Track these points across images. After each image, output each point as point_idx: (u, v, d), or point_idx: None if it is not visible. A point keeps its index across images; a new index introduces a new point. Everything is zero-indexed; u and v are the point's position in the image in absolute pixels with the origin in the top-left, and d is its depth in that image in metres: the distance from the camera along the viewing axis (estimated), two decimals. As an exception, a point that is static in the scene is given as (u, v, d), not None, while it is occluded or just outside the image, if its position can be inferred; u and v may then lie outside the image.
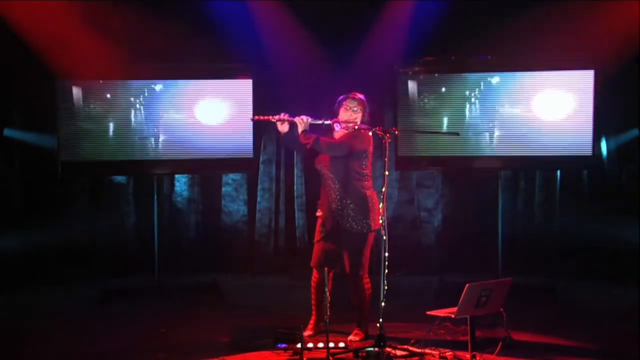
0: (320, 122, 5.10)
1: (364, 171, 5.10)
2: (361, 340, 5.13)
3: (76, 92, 6.71)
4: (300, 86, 6.94)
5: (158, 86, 6.86)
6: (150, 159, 6.86)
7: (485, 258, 7.15)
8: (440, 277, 7.23)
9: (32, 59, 6.76)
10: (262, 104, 7.08)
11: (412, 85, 6.87)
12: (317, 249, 5.20)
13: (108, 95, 6.78)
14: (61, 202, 7.62)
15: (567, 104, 6.69)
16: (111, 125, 6.78)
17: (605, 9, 6.73)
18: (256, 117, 5.25)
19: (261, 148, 7.76)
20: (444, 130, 6.81)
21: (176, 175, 7.81)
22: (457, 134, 6.37)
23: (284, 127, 5.07)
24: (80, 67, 6.68)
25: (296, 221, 7.86)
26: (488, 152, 6.80)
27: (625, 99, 7.25)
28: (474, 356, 4.59)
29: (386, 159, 4.73)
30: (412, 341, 4.93)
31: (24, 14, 6.62)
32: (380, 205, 4.68)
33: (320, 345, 4.87)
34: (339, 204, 5.07)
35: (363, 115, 5.14)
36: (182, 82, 6.88)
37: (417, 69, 6.92)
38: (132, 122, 6.79)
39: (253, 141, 6.96)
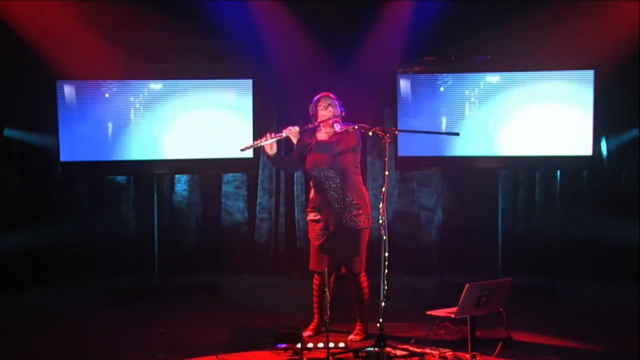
0: (308, 126, 5.13)
1: (358, 165, 5.20)
2: (361, 340, 5.13)
3: (76, 92, 6.70)
4: (300, 86, 6.94)
5: (158, 86, 6.86)
6: (150, 159, 6.86)
7: (485, 258, 7.15)
8: (440, 277, 7.23)
9: (32, 59, 6.77)
10: (262, 104, 7.09)
11: (411, 85, 6.87)
12: (316, 252, 5.20)
13: (108, 95, 6.78)
14: (61, 202, 7.62)
15: (567, 104, 6.69)
16: (111, 125, 6.77)
17: (605, 9, 6.73)
18: (246, 147, 5.25)
19: (261, 148, 7.74)
20: (443, 130, 6.81)
21: (176, 175, 7.81)
22: (457, 134, 6.37)
23: (273, 148, 5.09)
24: (80, 67, 6.69)
25: (296, 221, 7.86)
26: (488, 152, 6.79)
27: (625, 99, 7.25)
28: (474, 356, 4.59)
29: (386, 159, 4.73)
30: (412, 341, 4.94)
31: (24, 14, 6.62)
32: (380, 205, 4.68)
33: (320, 345, 4.87)
34: (342, 202, 5.08)
35: (341, 110, 5.18)
36: (182, 82, 6.87)
37: (417, 69, 6.92)
38: (132, 122, 6.79)
39: (253, 141, 6.94)
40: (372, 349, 4.65)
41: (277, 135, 5.07)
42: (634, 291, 6.55)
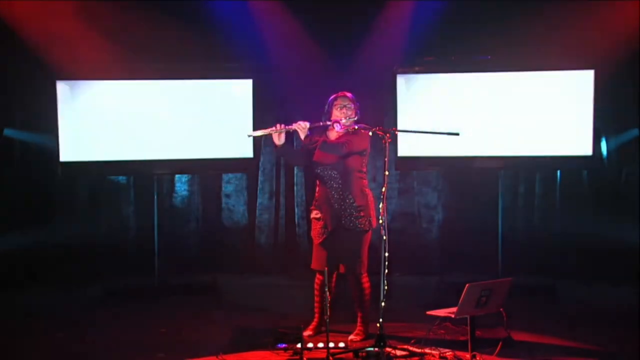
0: (319, 123, 5.11)
1: (363, 169, 5.18)
2: (361, 340, 5.13)
3: (76, 92, 6.71)
4: (300, 86, 6.95)
5: (158, 86, 6.85)
6: (150, 159, 6.86)
7: (485, 258, 7.15)
8: (440, 277, 7.23)
9: (32, 59, 6.76)
10: (262, 104, 7.08)
11: (412, 86, 6.87)
12: (317, 251, 5.21)
13: (108, 95, 6.78)
14: (61, 202, 7.62)
15: (567, 103, 6.69)
16: (111, 125, 6.78)
17: (605, 9, 6.73)
18: (254, 133, 5.22)
19: (261, 148, 7.77)
20: (443, 130, 6.79)
21: (176, 175, 7.81)
22: (457, 134, 6.35)
23: (281, 139, 5.06)
24: (80, 67, 6.69)
25: (296, 221, 7.86)
26: (488, 152, 6.79)
27: (625, 99, 7.25)
28: (474, 356, 4.59)
29: (386, 159, 4.73)
30: (412, 341, 4.94)
31: (23, 13, 6.62)
32: (380, 205, 4.68)
33: (320, 345, 4.87)
34: (342, 202, 5.08)
35: (356, 111, 5.15)
36: (182, 82, 6.87)
37: (417, 69, 6.92)
38: (132, 122, 6.79)
39: (253, 141, 6.95)
40: (372, 349, 4.65)
41: (286, 127, 5.04)
42: (634, 291, 6.55)
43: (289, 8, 7.24)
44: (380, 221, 4.66)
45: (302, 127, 5.01)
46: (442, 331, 5.16)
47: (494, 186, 7.00)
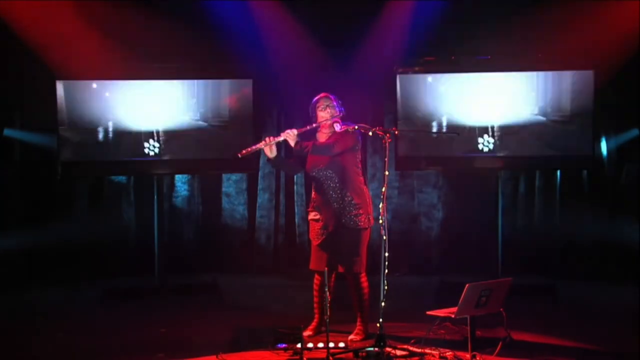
0: (306, 128, 5.13)
1: (359, 164, 5.20)
2: (361, 340, 5.13)
3: (76, 92, 6.71)
4: (300, 86, 6.94)
5: (158, 86, 6.85)
6: (150, 159, 6.85)
7: (485, 258, 7.15)
8: (440, 277, 7.23)
9: (32, 59, 6.76)
10: (262, 104, 7.09)
11: (412, 86, 6.87)
12: (316, 252, 5.21)
13: (108, 95, 6.78)
14: (61, 202, 7.62)
15: (567, 104, 6.69)
16: (111, 125, 6.77)
17: (605, 9, 6.73)
18: (244, 152, 5.15)
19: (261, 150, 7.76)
20: (444, 130, 6.81)
21: (176, 175, 7.81)
22: (457, 134, 6.37)
23: (272, 151, 5.08)
24: (80, 67, 6.69)
25: (296, 221, 7.87)
26: (488, 152, 6.80)
27: (625, 99, 7.25)
28: (474, 356, 4.59)
29: (386, 159, 4.73)
30: (412, 341, 4.94)
31: (24, 13, 6.62)
32: (380, 205, 4.68)
33: (320, 345, 4.87)
34: (341, 202, 5.08)
35: (340, 109, 5.18)
36: (182, 82, 6.87)
37: (417, 69, 6.92)
38: (132, 122, 6.79)
39: (253, 141, 6.93)
40: (372, 349, 4.65)
41: (275, 138, 5.07)
42: (634, 291, 6.55)
43: (288, 8, 7.24)
44: (381, 221, 4.66)
45: (290, 136, 5.05)
46: (442, 331, 5.15)
47: (494, 186, 7.00)
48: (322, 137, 5.24)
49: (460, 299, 4.46)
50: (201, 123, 6.87)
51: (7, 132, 7.34)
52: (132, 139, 6.78)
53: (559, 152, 6.70)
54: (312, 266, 5.24)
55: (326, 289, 4.73)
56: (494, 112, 6.77)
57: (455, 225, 7.82)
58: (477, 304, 4.54)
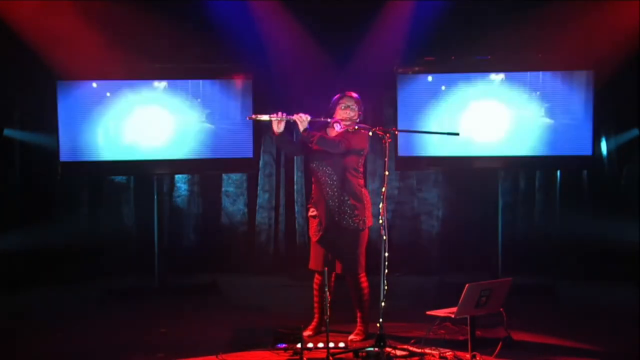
0: (320, 119, 5.11)
1: (360, 168, 5.17)
2: (361, 340, 5.13)
3: (76, 92, 6.71)
4: (300, 86, 6.95)
5: (158, 86, 6.85)
6: (150, 159, 6.85)
7: (485, 258, 7.16)
8: (440, 277, 7.23)
9: (32, 59, 6.76)
10: (262, 103, 7.08)
11: (412, 85, 6.87)
12: (315, 250, 5.21)
13: (108, 95, 6.78)
14: (61, 202, 7.62)
15: (567, 104, 6.69)
16: (111, 125, 6.78)
17: (605, 9, 6.73)
18: (253, 116, 5.20)
19: (261, 148, 7.77)
20: (444, 130, 6.81)
21: (176, 175, 7.81)
22: (457, 134, 6.35)
23: (280, 127, 5.06)
24: (80, 67, 6.68)
25: (296, 221, 7.87)
26: (488, 152, 6.80)
27: (625, 99, 7.25)
28: (474, 356, 4.59)
29: (386, 159, 4.73)
30: (412, 341, 4.94)
31: (24, 13, 6.62)
32: (380, 205, 4.68)
33: (320, 345, 4.87)
34: (336, 200, 5.07)
35: (359, 114, 5.16)
36: (182, 82, 6.87)
37: (417, 69, 6.92)
38: (132, 122, 6.79)
39: (253, 141, 6.95)
40: (372, 349, 4.65)
41: (288, 116, 5.04)
42: (634, 291, 6.55)
43: (289, 8, 7.24)
44: (380, 221, 4.66)
45: (302, 120, 5.02)
46: (442, 331, 5.16)
47: (494, 186, 7.00)
48: (332, 132, 5.22)
49: (460, 299, 4.46)
50: (201, 123, 6.87)
51: (7, 132, 7.34)
52: (132, 139, 6.78)
53: (559, 152, 6.70)
54: (311, 265, 5.24)
55: (326, 289, 4.73)
56: (494, 111, 6.78)
57: (455, 225, 7.82)
58: (477, 304, 4.54)
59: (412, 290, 6.93)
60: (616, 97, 7.21)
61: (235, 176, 7.92)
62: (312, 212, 5.21)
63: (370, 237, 5.26)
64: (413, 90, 6.87)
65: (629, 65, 6.89)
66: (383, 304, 4.63)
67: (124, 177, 7.72)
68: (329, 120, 5.13)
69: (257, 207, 7.92)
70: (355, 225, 5.07)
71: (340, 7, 7.20)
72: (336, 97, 5.19)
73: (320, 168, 5.14)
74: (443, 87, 6.85)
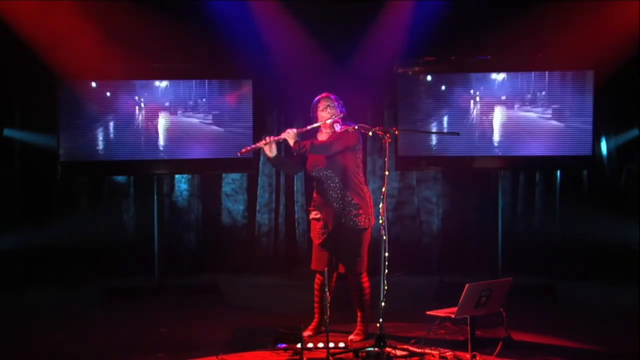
0: (307, 128, 5.13)
1: (360, 164, 5.18)
2: (361, 340, 5.13)
3: (76, 92, 6.70)
4: (300, 86, 6.94)
5: (158, 86, 6.85)
6: (150, 159, 6.85)
7: (485, 258, 7.15)
8: (440, 277, 7.23)
9: (32, 59, 6.76)
10: (262, 104, 7.09)
11: (411, 85, 6.87)
12: (317, 251, 5.21)
13: (108, 95, 6.78)
14: (61, 202, 7.62)
15: (567, 104, 6.69)
16: (111, 125, 6.77)
17: (605, 9, 6.73)
18: (244, 150, 5.18)
19: (261, 147, 7.75)
20: (444, 130, 6.81)
21: (176, 175, 7.81)
22: (458, 134, 6.37)
23: (272, 150, 5.08)
24: (80, 67, 6.68)
25: (296, 221, 7.87)
26: (488, 152, 6.79)
27: (625, 99, 7.25)
28: (474, 356, 4.59)
29: (386, 159, 4.73)
30: (412, 341, 4.94)
31: (24, 13, 6.62)
32: (380, 205, 4.68)
33: (320, 345, 4.87)
34: (341, 202, 5.08)
35: (341, 110, 5.18)
36: (182, 82, 6.87)
37: (417, 69, 6.92)
38: (132, 122, 6.79)
39: (253, 141, 6.94)
40: (372, 349, 4.65)
41: (275, 138, 5.07)
42: (634, 291, 6.55)
43: (288, 8, 7.24)
44: (381, 221, 4.66)
45: (290, 135, 5.05)
46: (442, 331, 5.16)
47: (493, 186, 7.00)
48: (322, 137, 5.24)
49: (460, 299, 4.46)
50: (202, 123, 6.87)
51: (7, 132, 7.34)
52: (132, 139, 6.78)
53: (559, 152, 6.70)
54: (313, 266, 5.24)
55: (326, 289, 4.73)
56: (494, 111, 6.78)
57: (455, 225, 7.82)
58: (477, 304, 4.54)
59: (412, 290, 6.93)
60: (616, 97, 7.21)
61: (235, 176, 7.92)
62: (315, 214, 5.21)
63: (372, 237, 5.25)
64: (413, 90, 6.87)
65: (629, 65, 6.89)
66: (383, 304, 4.63)
67: (124, 177, 7.72)
68: (315, 125, 5.15)
69: (257, 206, 7.92)
70: (361, 224, 5.06)
71: (340, 7, 7.20)
72: (314, 101, 5.22)
73: (322, 174, 5.14)
74: (443, 87, 6.85)
